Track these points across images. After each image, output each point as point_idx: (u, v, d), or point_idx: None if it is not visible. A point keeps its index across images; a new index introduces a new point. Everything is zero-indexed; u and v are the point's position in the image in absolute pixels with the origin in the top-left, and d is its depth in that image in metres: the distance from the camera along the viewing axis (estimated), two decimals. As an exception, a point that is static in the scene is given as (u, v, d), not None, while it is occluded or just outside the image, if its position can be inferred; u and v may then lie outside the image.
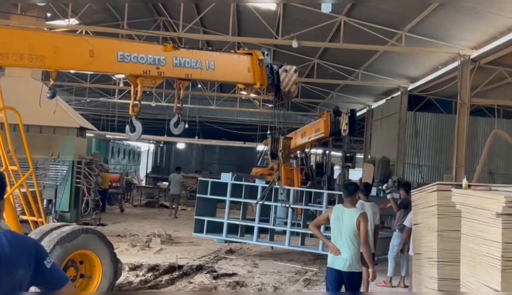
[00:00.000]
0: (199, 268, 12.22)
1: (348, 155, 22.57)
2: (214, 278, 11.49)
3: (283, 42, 17.87)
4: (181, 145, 51.31)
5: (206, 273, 11.83)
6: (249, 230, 14.78)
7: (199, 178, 15.43)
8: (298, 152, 21.32)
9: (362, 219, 7.29)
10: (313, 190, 16.82)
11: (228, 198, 14.38)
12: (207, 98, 35.84)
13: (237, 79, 10.99)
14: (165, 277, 11.13)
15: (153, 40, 22.95)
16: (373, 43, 17.99)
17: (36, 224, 8.63)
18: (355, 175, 34.89)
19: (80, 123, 18.91)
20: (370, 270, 7.23)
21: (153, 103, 34.34)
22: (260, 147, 33.66)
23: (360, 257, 7.41)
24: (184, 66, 9.46)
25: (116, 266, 8.47)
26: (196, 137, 42.49)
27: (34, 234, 7.94)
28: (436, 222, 7.05)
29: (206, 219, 14.57)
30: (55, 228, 8.06)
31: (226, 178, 14.86)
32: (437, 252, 7.02)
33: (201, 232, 14.61)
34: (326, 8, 14.19)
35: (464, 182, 6.42)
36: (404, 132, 24.57)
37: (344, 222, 7.28)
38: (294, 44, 17.15)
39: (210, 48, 10.97)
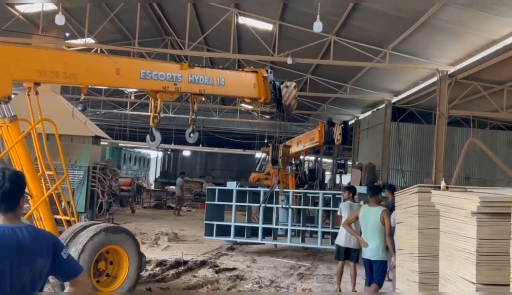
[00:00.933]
0: (203, 263, 12.19)
1: (340, 162, 22.58)
2: (216, 272, 11.48)
3: (279, 59, 17.90)
4: (186, 153, 51.35)
5: (209, 267, 11.81)
6: (254, 232, 15.00)
7: (207, 187, 15.66)
8: (293, 158, 21.26)
9: (385, 215, 8.67)
10: (310, 192, 16.92)
11: (234, 203, 14.58)
12: (211, 110, 35.84)
13: (244, 94, 11.13)
14: (172, 271, 11.12)
15: (162, 57, 23.08)
16: (360, 60, 18.05)
17: (69, 223, 8.72)
18: (344, 179, 34.88)
19: (95, 132, 18.91)
20: (393, 258, 8.30)
21: (161, 114, 34.30)
22: (258, 154, 33.63)
23: (384, 247, 8.74)
24: (198, 82, 9.63)
25: (141, 259, 8.62)
26: (200, 145, 42.45)
27: (67, 232, 8.04)
28: (417, 221, 7.00)
29: (215, 223, 14.69)
30: (88, 226, 8.18)
31: (232, 185, 15.15)
32: (418, 247, 6.97)
33: (211, 235, 14.71)
34: (317, 28, 14.21)
35: (443, 184, 6.41)
36: (388, 141, 24.58)
37: (369, 218, 8.65)
38: (289, 61, 17.18)
39: (220, 67, 11.10)
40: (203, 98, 30.12)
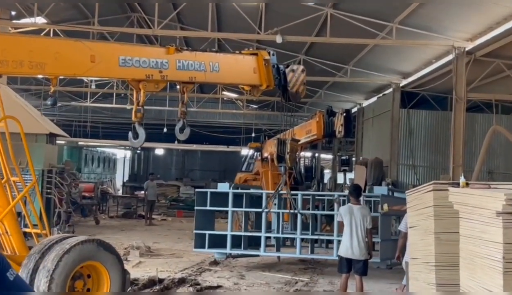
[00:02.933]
0: (181, 282, 12.18)
1: (344, 157, 22.63)
2: (198, 291, 11.48)
3: (266, 37, 17.89)
4: (159, 151, 51.27)
5: (189, 286, 11.82)
6: (249, 243, 15.04)
7: (197, 190, 15.61)
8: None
9: None
10: (319, 193, 17.07)
11: (230, 209, 14.56)
12: (189, 100, 35.79)
13: (243, 80, 11.18)
14: (145, 292, 11.09)
15: (127, 38, 22.99)
16: (362, 36, 18.08)
17: (39, 236, 8.73)
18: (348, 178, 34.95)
19: (50, 129, 18.82)
20: None
21: (128, 106, 34.16)
22: (245, 151, 33.64)
23: None
24: (188, 69, 9.70)
25: (124, 276, 8.60)
26: (176, 142, 42.30)
27: (38, 247, 8.02)
28: (433, 224, 7.02)
29: (207, 232, 14.62)
30: (60, 240, 8.15)
31: (224, 187, 15.15)
32: (435, 256, 6.99)
33: (203, 247, 14.63)
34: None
35: (462, 180, 6.43)
36: (397, 131, 24.64)
37: None
38: (278, 39, 17.16)
39: (214, 49, 11.12)
40: (177, 86, 30.19)
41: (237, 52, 11.26)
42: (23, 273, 7.44)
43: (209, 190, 15.23)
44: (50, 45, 8.80)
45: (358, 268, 10.44)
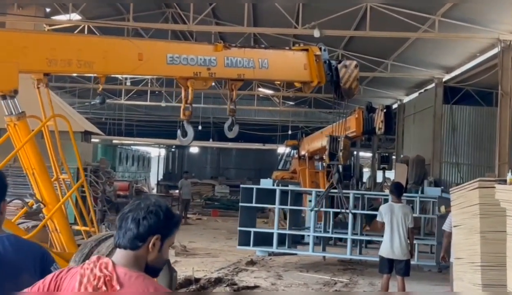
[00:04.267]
0: (218, 281, 12.26)
1: (384, 155, 22.48)
2: (235, 290, 11.53)
3: (303, 32, 17.86)
4: (194, 149, 51.57)
5: (226, 286, 11.88)
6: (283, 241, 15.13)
7: (242, 186, 15.83)
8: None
9: None
10: (373, 193, 17.10)
11: (277, 206, 14.66)
12: (222, 96, 35.91)
13: (293, 77, 11.31)
14: (181, 291, 11.19)
15: (162, 34, 23.20)
16: (403, 30, 17.95)
17: (89, 234, 8.89)
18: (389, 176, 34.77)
19: (85, 127, 19.10)
20: None
21: (163, 104, 34.51)
22: (281, 149, 33.66)
23: None
24: (236, 66, 9.81)
25: (171, 274, 8.59)
26: (211, 140, 42.61)
27: (86, 244, 8.11)
28: (479, 223, 6.98)
29: (252, 229, 14.75)
30: (109, 237, 8.22)
31: (267, 183, 15.32)
32: (481, 255, 6.95)
33: (247, 244, 14.79)
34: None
35: (509, 176, 6.37)
36: (440, 128, 24.41)
37: None
38: (316, 33, 17.12)
39: (262, 46, 11.22)
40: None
41: (286, 48, 11.34)
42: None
43: (254, 186, 15.31)
44: (98, 44, 9.01)
45: (400, 268, 10.38)
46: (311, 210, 14.27)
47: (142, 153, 46.80)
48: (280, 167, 26.80)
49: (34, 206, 8.13)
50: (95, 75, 9.34)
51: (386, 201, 13.74)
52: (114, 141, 38.29)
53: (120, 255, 2.82)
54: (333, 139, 12.93)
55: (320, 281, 13.20)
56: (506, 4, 15.32)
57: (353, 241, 15.26)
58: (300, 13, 17.74)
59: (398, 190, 11.13)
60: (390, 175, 30.55)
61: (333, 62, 11.52)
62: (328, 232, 15.43)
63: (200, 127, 39.37)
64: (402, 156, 28.79)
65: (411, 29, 17.83)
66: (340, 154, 12.60)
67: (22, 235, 7.53)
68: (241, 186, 15.73)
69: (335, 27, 18.10)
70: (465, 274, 7.51)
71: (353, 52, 23.81)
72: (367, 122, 16.82)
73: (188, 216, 27.41)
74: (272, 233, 14.94)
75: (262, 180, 15.90)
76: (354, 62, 11.96)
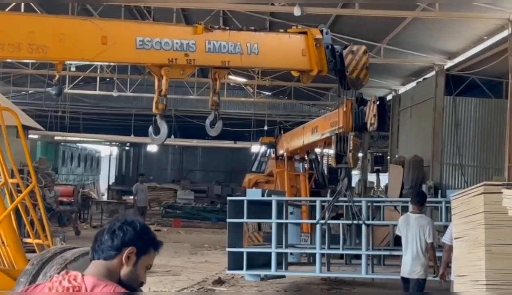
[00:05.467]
0: (179, 305, 12.30)
1: (378, 155, 22.58)
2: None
3: (281, 9, 17.89)
4: (152, 148, 51.46)
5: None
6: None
7: (229, 198, 15.69)
8: (307, 152, 21.39)
9: None
10: (387, 200, 17.18)
11: (274, 221, 14.48)
12: (186, 85, 35.89)
13: (288, 65, 11.42)
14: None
15: (113, 10, 23.11)
16: (398, 8, 18.06)
17: (42, 247, 8.95)
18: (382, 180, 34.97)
19: (21, 120, 18.94)
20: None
21: (115, 93, 34.32)
22: (256, 147, 33.70)
23: None
24: (220, 51, 9.91)
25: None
26: (172, 136, 42.47)
27: (36, 259, 8.21)
28: (484, 234, 7.07)
29: (245, 250, 14.70)
30: (63, 251, 8.36)
31: (255, 194, 15.55)
32: (485, 272, 7.05)
33: (239, 268, 14.60)
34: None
35: (518, 180, 6.50)
36: (441, 123, 24.58)
37: None
38: (296, 11, 17.16)
39: (252, 28, 11.21)
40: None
41: (281, 30, 11.35)
42: (19, 285, 7.59)
43: (245, 198, 15.15)
44: (53, 25, 9.03)
45: (410, 288, 10.46)
46: (316, 223, 14.10)
47: (90, 152, 46.67)
48: (254, 169, 26.81)
49: None
50: (50, 61, 9.31)
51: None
52: (56, 137, 38.08)
53: (92, 266, 3.17)
54: (340, 139, 12.99)
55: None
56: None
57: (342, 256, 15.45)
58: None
59: (419, 197, 11.16)
60: (383, 178, 30.78)
61: (337, 47, 11.58)
62: (336, 248, 15.40)
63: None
64: (397, 156, 28.95)
65: (408, 7, 17.96)
66: (350, 155, 12.66)
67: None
68: (228, 198, 15.61)
69: (319, 4, 18.17)
70: (468, 294, 7.62)
71: (340, 34, 23.90)
72: (357, 117, 16.90)
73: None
74: (264, 253, 15.02)
75: (248, 191, 15.90)
76: (363, 47, 12.03)
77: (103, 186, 47.24)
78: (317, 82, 31.22)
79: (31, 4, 20.88)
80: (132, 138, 41.52)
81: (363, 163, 37.39)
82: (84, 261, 8.20)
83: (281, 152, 21.83)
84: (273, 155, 23.35)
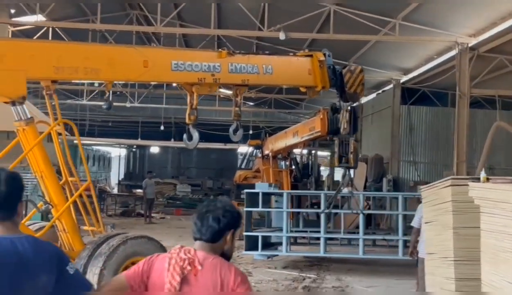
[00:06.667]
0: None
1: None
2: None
3: (269, 34, 17.90)
4: (155, 149, 51.27)
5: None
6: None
7: (246, 191, 15.45)
8: (288, 152, 21.38)
9: None
10: (381, 194, 17.17)
11: (285, 210, 14.44)
12: (184, 97, 35.69)
13: (297, 82, 11.52)
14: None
15: (127, 36, 23.03)
16: (365, 32, 18.12)
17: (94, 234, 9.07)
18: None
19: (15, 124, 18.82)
20: None
21: (127, 104, 34.15)
22: (243, 148, 33.68)
23: None
24: (240, 71, 9.98)
25: None
26: (172, 140, 42.39)
27: (91, 243, 8.39)
28: (452, 219, 7.10)
29: (260, 234, 14.66)
30: (113, 236, 8.55)
31: (262, 187, 15.44)
32: (454, 250, 7.06)
33: (255, 249, 14.52)
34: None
35: (483, 175, 6.51)
36: (398, 128, 24.71)
37: None
38: (281, 36, 17.17)
39: (266, 52, 11.45)
40: (174, 84, 30.15)
41: (291, 54, 11.45)
42: (77, 265, 7.66)
43: (260, 190, 15.04)
44: (104, 52, 9.20)
45: None
46: (322, 212, 14.10)
47: (103, 153, 46.35)
48: (243, 166, 26.82)
49: (43, 208, 8.27)
50: (101, 81, 9.53)
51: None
52: (75, 141, 37.75)
53: (199, 245, 3.35)
54: (342, 142, 13.10)
55: (288, 277, 13.32)
56: (464, 8, 15.61)
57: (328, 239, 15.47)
58: (265, 16, 17.75)
59: None
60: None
61: (338, 67, 11.74)
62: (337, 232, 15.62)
63: (162, 127, 39.23)
64: (360, 155, 29.04)
65: (372, 32, 18.01)
66: (350, 156, 12.76)
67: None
68: (246, 191, 15.44)
69: (299, 30, 18.19)
70: (437, 268, 7.63)
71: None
72: (331, 123, 16.95)
73: (152, 215, 27.27)
74: (264, 236, 14.91)
75: (257, 184, 16.04)
76: (359, 67, 12.20)
77: (113, 181, 47.01)
78: (293, 94, 31.31)
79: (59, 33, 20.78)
80: (139, 142, 41.41)
81: (331, 161, 37.58)
82: (131, 243, 8.28)
83: (266, 152, 21.79)
84: (259, 155, 23.35)
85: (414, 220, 10.13)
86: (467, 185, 6.70)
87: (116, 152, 51.40)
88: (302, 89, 11.80)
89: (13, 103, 8.02)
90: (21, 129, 8.13)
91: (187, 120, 9.86)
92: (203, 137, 43.47)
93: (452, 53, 18.36)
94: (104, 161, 47.09)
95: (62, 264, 3.10)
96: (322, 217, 14.17)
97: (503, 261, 5.80)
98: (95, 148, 43.82)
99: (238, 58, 10.02)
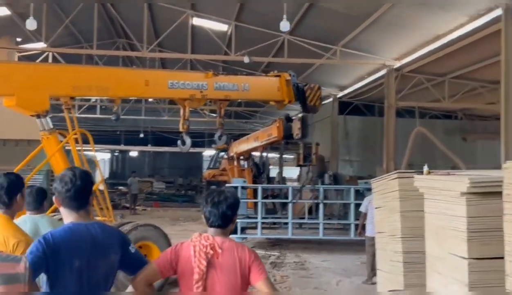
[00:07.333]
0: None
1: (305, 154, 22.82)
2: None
3: (235, 58, 17.92)
4: (134, 153, 50.57)
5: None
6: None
7: (227, 185, 15.39)
8: (249, 154, 21.37)
9: None
10: (338, 187, 17.76)
11: (260, 200, 14.46)
12: (159, 110, 35.50)
13: (269, 97, 11.56)
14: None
15: (115, 60, 22.72)
16: (312, 57, 18.31)
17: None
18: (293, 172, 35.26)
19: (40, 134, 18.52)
20: None
21: (113, 117, 33.50)
22: (207, 152, 33.64)
23: None
24: (224, 89, 10.04)
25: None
26: (149, 145, 42.02)
27: None
28: (399, 204, 7.25)
29: (239, 220, 14.42)
30: (124, 224, 8.74)
31: (239, 182, 15.30)
32: (401, 229, 7.20)
33: (235, 233, 14.32)
34: (284, 27, 14.35)
35: (425, 169, 6.68)
36: (336, 133, 25.06)
37: None
38: (246, 60, 17.25)
39: (244, 73, 11.50)
40: (150, 99, 29.75)
41: (263, 75, 11.54)
42: None
43: (239, 185, 14.97)
44: (112, 73, 9.33)
45: None
46: (289, 202, 14.09)
47: (90, 158, 45.39)
48: (211, 166, 26.71)
49: None
50: (110, 98, 9.52)
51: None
52: (67, 148, 36.93)
53: (214, 231, 3.26)
54: (305, 147, 13.33)
55: (257, 255, 13.32)
56: (392, 37, 15.97)
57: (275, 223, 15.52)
58: (232, 43, 17.78)
59: None
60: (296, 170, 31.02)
61: (300, 85, 11.81)
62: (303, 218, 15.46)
63: (142, 135, 38.80)
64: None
65: (317, 56, 18.21)
66: (313, 157, 12.97)
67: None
68: (226, 185, 15.46)
69: (259, 55, 18.28)
70: (387, 244, 7.77)
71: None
72: (286, 130, 17.05)
73: (136, 207, 26.94)
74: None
75: (234, 179, 15.97)
76: (317, 85, 12.34)
77: (98, 180, 46.12)
78: (250, 107, 31.41)
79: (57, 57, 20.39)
80: (121, 147, 40.89)
81: (280, 161, 37.71)
82: (140, 230, 8.35)
83: (231, 154, 21.75)
84: (226, 156, 23.31)
85: (362, 206, 10.30)
86: (413, 177, 6.85)
87: (102, 156, 50.46)
88: (272, 103, 11.87)
89: (38, 116, 7.99)
90: (45, 137, 8.13)
91: (180, 129, 9.94)
92: (174, 143, 43.17)
93: (381, 73, 18.73)
94: (90, 164, 46.08)
95: (125, 244, 3.10)
96: (290, 206, 14.18)
97: (445, 237, 5.93)
98: (84, 153, 42.97)
99: (221, 78, 10.12)
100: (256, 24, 17.43)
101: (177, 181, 44.36)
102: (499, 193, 5.24)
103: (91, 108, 36.44)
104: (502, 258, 5.10)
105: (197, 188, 41.78)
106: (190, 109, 10.11)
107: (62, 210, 2.98)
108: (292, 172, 38.68)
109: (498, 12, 11.63)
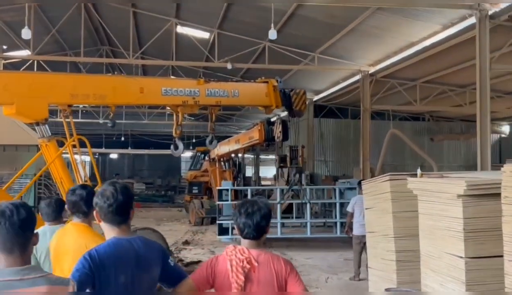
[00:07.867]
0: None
1: (282, 156, 22.83)
2: (185, 266, 11.35)
3: (218, 64, 17.77)
4: (114, 155, 49.88)
5: (177, 262, 11.64)
6: None
7: (218, 188, 15.21)
8: (231, 156, 21.28)
9: None
10: (322, 187, 17.73)
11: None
12: (139, 114, 35.09)
13: (257, 102, 11.42)
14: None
15: (98, 67, 22.35)
16: (291, 63, 18.27)
17: None
18: (269, 172, 35.31)
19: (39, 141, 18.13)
20: None
21: (109, 124, 33.02)
22: (188, 153, 33.34)
23: None
24: (215, 95, 9.88)
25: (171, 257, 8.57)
26: (129, 148, 41.54)
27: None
28: (391, 205, 7.23)
29: (230, 222, 14.24)
30: None
31: (228, 184, 15.26)
32: (393, 229, 7.18)
33: (226, 234, 14.29)
34: (272, 35, 14.25)
35: (419, 171, 6.67)
36: (312, 135, 25.12)
37: None
38: (229, 66, 17.15)
39: (234, 79, 11.37)
40: (135, 107, 29.30)
41: (252, 81, 11.45)
42: None
43: (229, 188, 14.87)
44: (109, 81, 9.17)
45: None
46: (278, 203, 13.88)
47: (70, 160, 44.63)
48: (193, 167, 26.49)
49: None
50: (107, 105, 9.33)
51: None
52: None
53: (248, 243, 3.10)
54: (292, 149, 13.32)
55: (244, 254, 13.21)
56: (368, 44, 16.06)
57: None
58: (216, 50, 17.63)
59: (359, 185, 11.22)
60: (270, 171, 31.04)
61: (287, 91, 11.76)
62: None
63: (123, 139, 38.31)
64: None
65: (295, 63, 18.19)
66: (300, 159, 12.96)
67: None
68: (217, 188, 15.21)
69: (241, 61, 18.18)
70: (378, 243, 7.73)
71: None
72: (267, 133, 16.99)
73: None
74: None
75: (223, 182, 15.76)
76: (303, 90, 12.28)
77: (80, 181, 45.33)
78: (226, 110, 31.25)
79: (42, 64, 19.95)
80: (103, 150, 40.31)
81: (256, 162, 37.72)
82: (139, 233, 7.98)
83: (213, 156, 21.65)
84: (207, 158, 23.16)
85: (349, 206, 10.29)
86: (405, 179, 6.83)
87: (83, 158, 49.61)
88: (261, 108, 11.78)
89: (37, 123, 7.82)
90: (44, 144, 7.95)
91: (174, 134, 9.74)
92: (153, 145, 42.76)
93: (355, 78, 18.83)
94: (69, 166, 45.31)
95: (165, 258, 2.99)
96: (278, 207, 14.04)
97: (440, 237, 5.92)
98: (64, 155, 42.17)
99: (212, 84, 9.95)
100: (238, 32, 17.30)
101: (156, 182, 44.02)
102: (494, 195, 5.27)
103: (74, 113, 35.82)
104: (497, 257, 5.13)
105: (176, 188, 41.51)
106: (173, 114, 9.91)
107: (103, 225, 2.85)
108: (266, 172, 38.88)
109: (471, 20, 11.76)
